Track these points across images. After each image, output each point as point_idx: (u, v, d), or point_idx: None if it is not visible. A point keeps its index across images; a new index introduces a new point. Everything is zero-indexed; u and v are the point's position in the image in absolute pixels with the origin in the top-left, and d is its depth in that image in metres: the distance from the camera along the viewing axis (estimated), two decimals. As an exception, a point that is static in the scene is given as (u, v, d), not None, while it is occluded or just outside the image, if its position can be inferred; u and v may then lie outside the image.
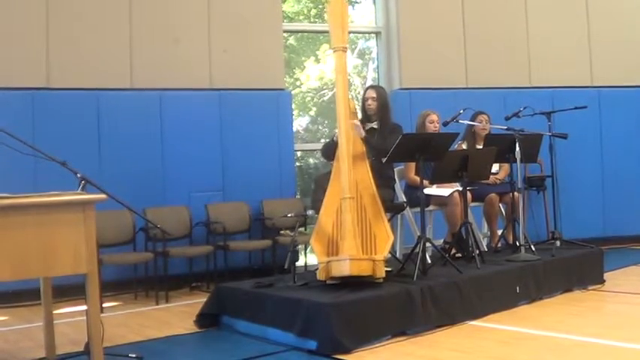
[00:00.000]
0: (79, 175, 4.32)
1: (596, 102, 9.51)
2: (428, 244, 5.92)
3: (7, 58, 7.42)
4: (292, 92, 9.47)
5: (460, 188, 6.48)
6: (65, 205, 3.99)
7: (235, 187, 8.26)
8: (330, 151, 6.05)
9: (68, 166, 4.36)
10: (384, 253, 5.32)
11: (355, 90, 10.33)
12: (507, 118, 7.11)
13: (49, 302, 4.66)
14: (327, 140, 6.46)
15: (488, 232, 7.40)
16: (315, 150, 9.93)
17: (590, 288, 6.55)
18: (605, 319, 5.53)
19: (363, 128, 6.18)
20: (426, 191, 6.37)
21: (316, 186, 6.21)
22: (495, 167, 7.12)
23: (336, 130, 5.72)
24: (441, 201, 6.84)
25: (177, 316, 6.30)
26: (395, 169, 6.74)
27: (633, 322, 5.21)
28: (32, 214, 3.87)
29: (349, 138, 5.65)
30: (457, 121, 6.95)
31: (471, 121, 7.25)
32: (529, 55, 9.75)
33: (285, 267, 5.66)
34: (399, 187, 7.00)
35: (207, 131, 8.21)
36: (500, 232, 7.14)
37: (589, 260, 6.78)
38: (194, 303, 6.56)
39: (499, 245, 7.03)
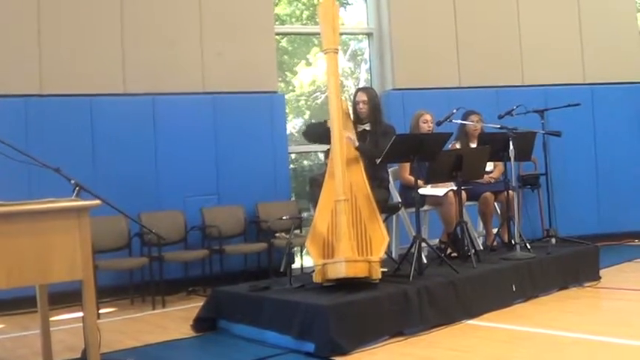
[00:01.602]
0: (72, 182, 4.32)
1: (589, 99, 9.52)
2: (423, 244, 5.92)
3: (-1, 65, 7.42)
4: (286, 96, 9.46)
5: (455, 188, 6.49)
6: (60, 212, 3.99)
7: (230, 190, 8.25)
8: (315, 133, 6.06)
9: (62, 172, 4.35)
10: (379, 254, 5.32)
11: (348, 91, 10.34)
12: (500, 117, 7.12)
13: (45, 309, 4.65)
14: (314, 122, 6.39)
15: (484, 231, 7.40)
16: (309, 152, 9.93)
17: (586, 285, 6.56)
18: (601, 316, 5.55)
19: (355, 130, 6.19)
20: (421, 191, 6.38)
21: (312, 185, 6.21)
22: (489, 166, 7.13)
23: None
24: (435, 201, 6.84)
25: (173, 320, 6.29)
26: (389, 170, 6.74)
27: (630, 319, 5.22)
28: (27, 222, 3.86)
29: (342, 139, 5.64)
30: (450, 121, 6.96)
31: (462, 120, 7.26)
32: (521, 53, 9.76)
33: (281, 270, 5.66)
34: (393, 188, 6.99)
35: (200, 135, 8.20)
36: (495, 230, 7.15)
37: (585, 257, 6.79)
38: (191, 307, 6.56)
39: (495, 244, 7.04)
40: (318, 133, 6.04)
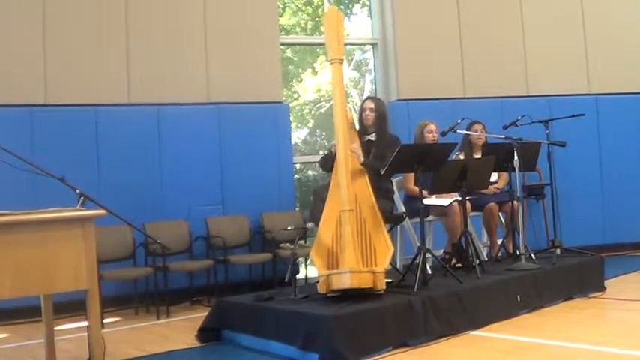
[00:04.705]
0: (77, 191, 4.33)
1: (593, 109, 9.51)
2: (428, 255, 5.91)
3: (4, 74, 7.43)
4: (290, 105, 9.48)
5: (459, 198, 6.48)
6: (64, 222, 4.00)
7: (235, 200, 8.26)
8: (328, 163, 6.03)
9: (67, 182, 4.36)
10: (384, 264, 5.30)
11: (353, 101, 10.35)
12: (505, 127, 7.11)
13: (49, 319, 4.67)
14: (326, 152, 6.44)
15: (488, 242, 7.39)
16: (313, 162, 9.94)
17: (591, 295, 6.54)
18: (606, 327, 5.53)
19: (360, 140, 6.18)
20: (426, 202, 6.36)
21: (315, 198, 6.20)
22: (494, 176, 7.13)
23: (334, 142, 5.71)
24: (440, 211, 6.84)
25: (178, 330, 6.28)
26: (394, 180, 6.74)
27: (635, 329, 5.20)
28: (31, 231, 3.88)
29: (347, 150, 5.64)
30: (455, 131, 6.96)
31: (466, 131, 7.26)
32: (526, 63, 9.77)
33: (286, 280, 5.65)
34: (398, 198, 7.00)
35: (205, 145, 8.22)
36: (500, 241, 7.14)
37: (589, 268, 6.77)
38: (195, 317, 6.55)
39: (499, 254, 7.02)
40: (331, 163, 5.97)
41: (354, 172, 5.72)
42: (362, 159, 5.94)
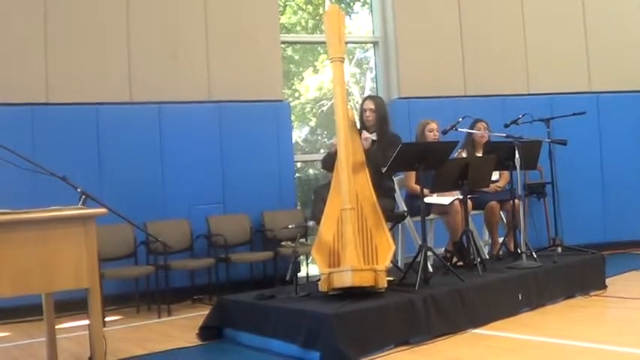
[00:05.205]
0: (79, 190, 4.33)
1: (594, 108, 9.52)
2: (429, 253, 5.91)
3: (5, 74, 7.43)
4: (291, 104, 9.48)
5: (461, 196, 6.48)
6: (66, 220, 4.00)
7: (236, 199, 8.26)
8: (329, 162, 6.03)
9: (68, 180, 4.36)
10: (385, 263, 5.31)
11: (354, 100, 10.35)
12: (506, 126, 7.10)
13: (51, 317, 4.67)
14: (326, 151, 6.44)
15: (490, 240, 7.39)
16: (314, 161, 9.93)
17: (592, 294, 6.54)
18: (607, 325, 5.53)
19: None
20: (427, 200, 6.36)
21: (316, 197, 6.20)
22: (495, 175, 7.13)
23: (333, 141, 5.71)
24: (441, 209, 6.83)
25: (179, 329, 6.28)
26: (395, 179, 6.73)
27: (636, 328, 5.20)
28: (32, 230, 3.88)
29: (348, 149, 5.64)
30: (456, 130, 6.95)
31: (469, 129, 7.26)
32: (527, 62, 9.76)
33: (287, 278, 5.65)
34: (399, 197, 7.00)
35: (206, 144, 8.22)
36: (501, 239, 7.14)
37: (590, 266, 6.77)
38: (196, 316, 6.55)
39: (500, 253, 7.02)
40: (332, 163, 5.98)
41: (355, 170, 5.72)
42: (367, 146, 5.98)
